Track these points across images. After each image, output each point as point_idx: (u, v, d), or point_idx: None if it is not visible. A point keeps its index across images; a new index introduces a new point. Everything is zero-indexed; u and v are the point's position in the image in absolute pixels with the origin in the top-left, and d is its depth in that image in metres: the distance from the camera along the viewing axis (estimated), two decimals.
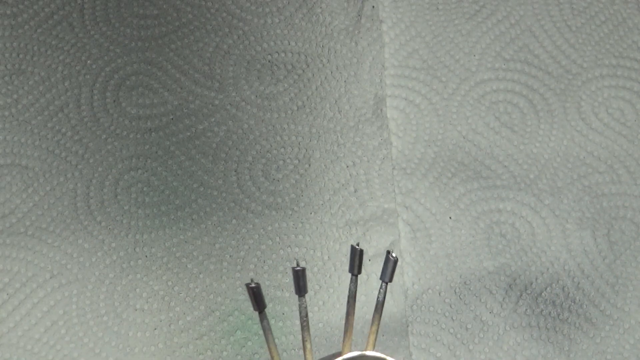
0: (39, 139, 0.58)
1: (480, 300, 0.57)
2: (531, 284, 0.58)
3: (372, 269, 0.57)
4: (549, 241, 0.59)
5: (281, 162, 0.59)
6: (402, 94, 0.61)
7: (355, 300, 0.43)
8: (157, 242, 0.56)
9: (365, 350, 0.43)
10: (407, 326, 0.56)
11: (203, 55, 0.60)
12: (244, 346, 0.55)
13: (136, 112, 0.59)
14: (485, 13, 0.63)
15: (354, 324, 0.55)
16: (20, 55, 0.59)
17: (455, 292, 0.57)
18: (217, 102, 0.60)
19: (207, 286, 0.56)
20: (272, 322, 0.56)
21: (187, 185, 0.58)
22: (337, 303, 0.56)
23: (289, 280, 0.56)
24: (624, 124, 0.62)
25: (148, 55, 0.60)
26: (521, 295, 0.57)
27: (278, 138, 0.59)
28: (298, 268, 0.42)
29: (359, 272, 0.43)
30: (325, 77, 0.61)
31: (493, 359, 0.56)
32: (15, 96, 0.58)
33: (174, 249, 0.56)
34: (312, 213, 0.58)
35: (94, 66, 0.59)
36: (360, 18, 0.62)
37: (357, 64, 0.61)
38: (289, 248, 0.57)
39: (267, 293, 0.56)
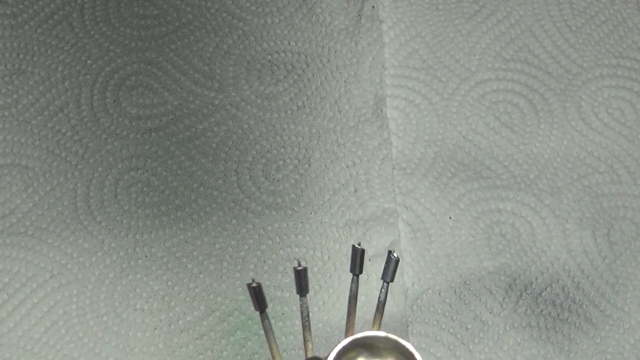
0: (39, 139, 0.57)
1: (480, 300, 0.57)
2: (531, 284, 0.58)
3: (372, 269, 0.57)
4: (549, 241, 0.59)
5: (281, 162, 0.59)
6: (402, 94, 0.61)
7: (356, 300, 0.43)
8: (157, 242, 0.56)
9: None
10: (407, 326, 0.56)
11: (203, 55, 0.60)
12: (244, 346, 0.55)
13: (136, 112, 0.59)
14: (485, 13, 0.63)
15: (354, 324, 0.55)
16: (20, 55, 0.59)
17: (455, 292, 0.57)
18: (217, 102, 0.60)
19: (207, 286, 0.56)
20: (272, 322, 0.56)
21: (187, 185, 0.58)
22: (337, 303, 0.56)
23: (289, 280, 0.56)
24: (624, 124, 0.62)
25: (148, 55, 0.60)
26: (521, 295, 0.57)
27: (278, 138, 0.59)
28: (300, 268, 0.42)
29: (361, 271, 0.43)
30: (325, 77, 0.61)
31: (493, 359, 0.56)
32: (15, 96, 0.58)
33: (174, 249, 0.56)
34: (312, 213, 0.58)
35: (94, 66, 0.59)
36: (360, 18, 0.62)
37: (357, 64, 0.61)
38: (289, 248, 0.57)
39: (267, 293, 0.56)
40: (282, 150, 0.59)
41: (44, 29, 0.60)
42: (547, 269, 0.58)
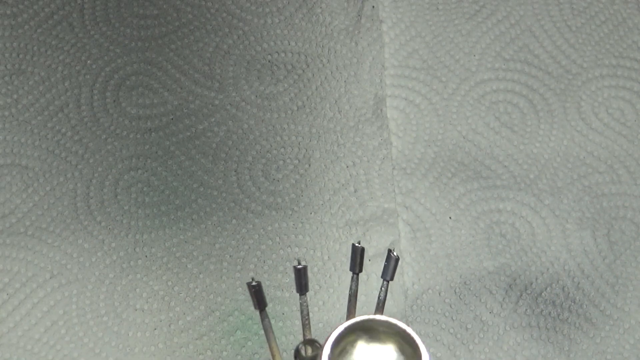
0: (39, 139, 0.57)
1: (480, 300, 0.57)
2: (531, 284, 0.58)
3: (372, 269, 0.57)
4: (549, 241, 0.59)
5: (281, 162, 0.59)
6: (402, 94, 0.61)
7: (356, 300, 0.43)
8: (157, 242, 0.56)
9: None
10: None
11: (203, 55, 0.60)
12: (244, 346, 0.55)
13: (136, 112, 0.59)
14: (485, 13, 0.64)
15: None
16: (20, 55, 0.59)
17: (455, 292, 0.57)
18: (217, 102, 0.60)
19: (207, 286, 0.56)
20: (272, 322, 0.56)
21: (187, 185, 0.58)
22: (337, 303, 0.56)
23: (289, 280, 0.56)
24: (624, 124, 0.62)
25: (148, 55, 0.60)
26: (521, 295, 0.57)
27: (278, 138, 0.59)
28: (300, 266, 0.42)
29: (360, 270, 0.43)
30: (325, 77, 0.61)
31: (493, 359, 0.56)
32: (15, 96, 0.58)
33: (174, 249, 0.56)
34: (312, 213, 0.58)
35: (94, 66, 0.59)
36: (360, 18, 0.62)
37: (357, 64, 0.61)
38: (289, 248, 0.57)
39: (267, 293, 0.56)
40: (282, 150, 0.59)
41: (44, 29, 0.60)
42: (547, 269, 0.58)
